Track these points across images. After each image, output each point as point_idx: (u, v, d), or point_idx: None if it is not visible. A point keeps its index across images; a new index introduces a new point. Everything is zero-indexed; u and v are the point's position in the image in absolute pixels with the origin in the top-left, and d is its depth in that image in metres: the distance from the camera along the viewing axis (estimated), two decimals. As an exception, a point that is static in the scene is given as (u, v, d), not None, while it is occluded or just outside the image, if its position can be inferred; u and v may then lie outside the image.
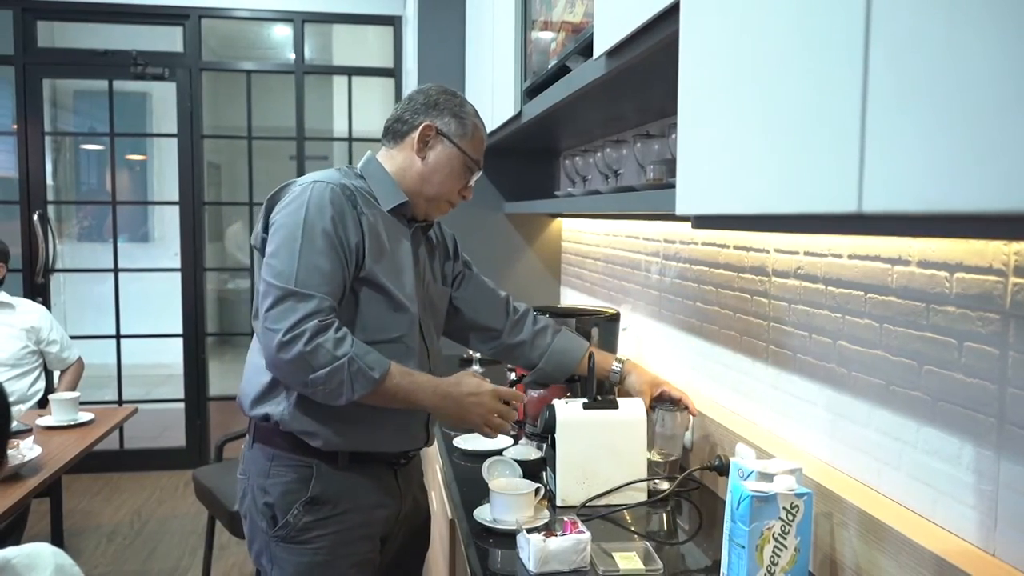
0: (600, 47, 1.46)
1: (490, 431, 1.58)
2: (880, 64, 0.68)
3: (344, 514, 1.56)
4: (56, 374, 3.48)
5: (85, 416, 2.88)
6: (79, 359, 3.45)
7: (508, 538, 1.45)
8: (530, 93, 2.23)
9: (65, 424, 2.80)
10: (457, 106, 1.65)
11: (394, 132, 1.67)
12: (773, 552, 1.17)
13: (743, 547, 1.17)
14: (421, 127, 1.62)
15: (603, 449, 1.64)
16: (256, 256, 1.60)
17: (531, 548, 1.31)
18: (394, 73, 4.72)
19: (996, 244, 0.98)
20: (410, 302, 1.60)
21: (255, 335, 1.60)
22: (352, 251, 1.51)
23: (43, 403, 3.28)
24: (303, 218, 1.47)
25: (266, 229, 1.54)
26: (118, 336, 4.63)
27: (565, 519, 1.40)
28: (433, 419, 1.68)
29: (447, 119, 1.63)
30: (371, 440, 1.58)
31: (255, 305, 1.57)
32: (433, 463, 2.38)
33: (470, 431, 1.93)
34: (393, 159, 1.65)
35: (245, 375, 1.62)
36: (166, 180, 5.70)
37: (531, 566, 1.31)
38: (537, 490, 1.55)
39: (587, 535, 1.35)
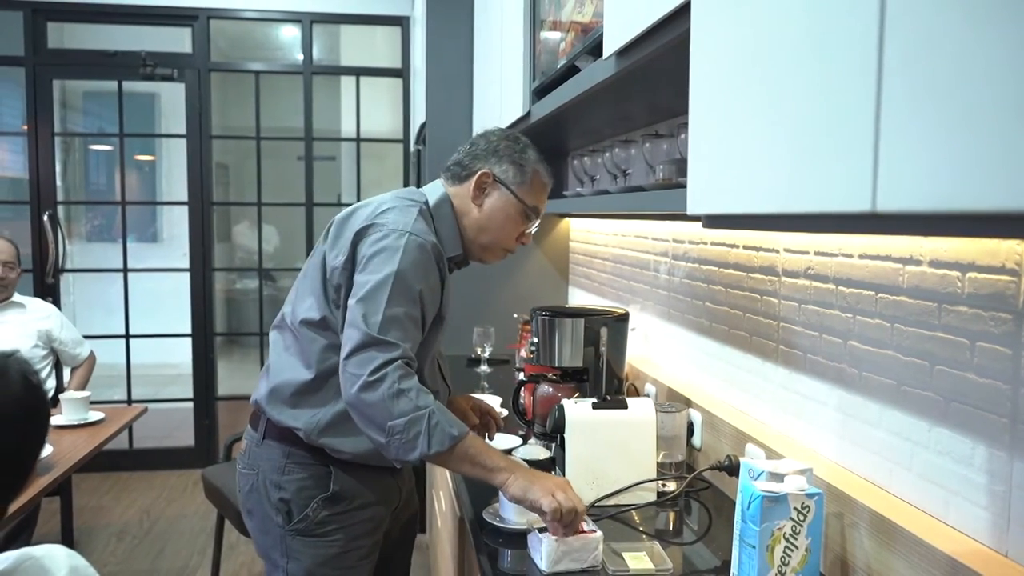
0: (610, 47, 1.45)
1: (555, 506, 1.33)
2: (894, 62, 0.68)
3: (358, 509, 1.60)
4: (67, 371, 3.51)
5: (95, 415, 2.89)
6: (91, 354, 3.48)
7: (517, 537, 1.45)
8: (539, 93, 2.23)
9: (75, 423, 2.81)
10: (518, 153, 1.64)
11: (454, 174, 1.67)
12: (784, 552, 1.17)
13: (754, 547, 1.17)
14: (479, 173, 1.62)
15: (612, 449, 1.64)
16: (316, 273, 1.58)
17: (545, 547, 1.31)
18: (402, 73, 4.73)
19: (1009, 243, 0.97)
20: (438, 342, 1.68)
21: (277, 339, 1.64)
22: (431, 313, 1.54)
23: (54, 401, 3.30)
24: (395, 271, 1.46)
25: (351, 262, 1.52)
26: (127, 336, 4.65)
27: None
28: None
29: (506, 166, 1.62)
30: (384, 458, 1.57)
31: (289, 311, 1.61)
32: (441, 463, 2.38)
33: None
34: (455, 197, 1.65)
35: (271, 381, 1.61)
36: (175, 180, 5.72)
37: (544, 565, 1.31)
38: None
39: (599, 534, 1.35)
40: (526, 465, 1.48)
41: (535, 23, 2.29)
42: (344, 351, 1.44)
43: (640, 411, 1.66)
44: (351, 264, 1.52)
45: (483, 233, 1.64)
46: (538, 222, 1.70)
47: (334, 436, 1.55)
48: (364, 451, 1.54)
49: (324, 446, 1.55)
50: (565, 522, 1.33)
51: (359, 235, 1.52)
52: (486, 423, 1.87)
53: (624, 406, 1.67)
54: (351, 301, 1.47)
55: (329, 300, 1.55)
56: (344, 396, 1.45)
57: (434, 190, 1.67)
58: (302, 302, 1.59)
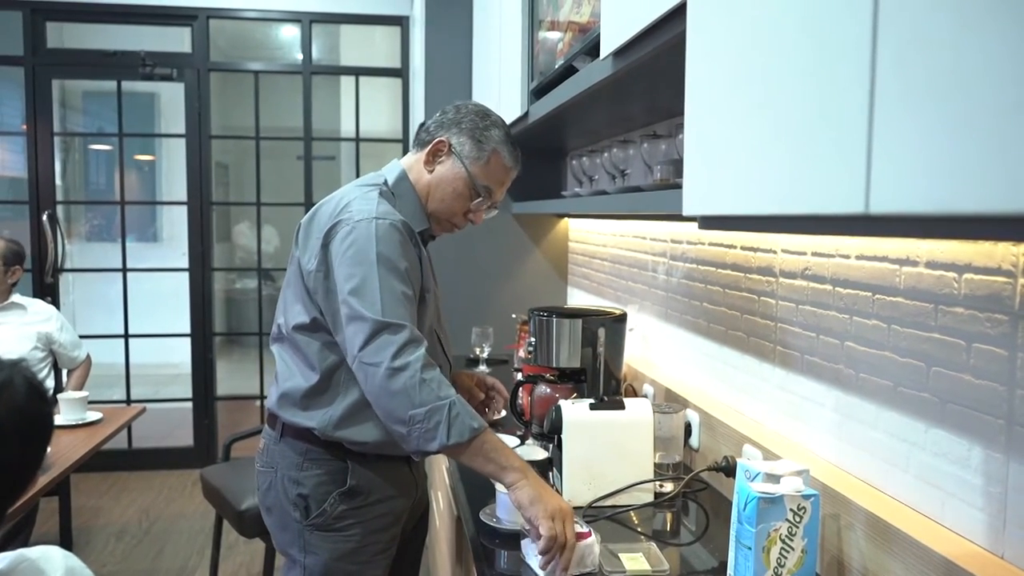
0: (607, 47, 1.45)
1: (553, 534, 1.30)
2: (887, 64, 0.68)
3: (375, 504, 1.62)
4: (64, 372, 3.51)
5: (93, 415, 2.90)
6: (88, 357, 3.49)
7: (513, 538, 1.45)
8: (537, 93, 2.23)
9: (74, 423, 2.82)
10: (480, 129, 1.64)
11: (419, 140, 1.70)
12: (780, 554, 1.17)
13: (750, 548, 1.16)
14: (436, 140, 1.65)
15: (610, 450, 1.64)
16: (296, 280, 1.60)
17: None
18: (401, 73, 4.73)
19: (1005, 245, 0.97)
20: (433, 319, 1.68)
21: (279, 351, 1.66)
22: (417, 287, 1.55)
23: (52, 401, 3.30)
24: (376, 256, 1.47)
25: (325, 264, 1.53)
26: (126, 336, 4.65)
27: None
28: None
29: (464, 138, 1.64)
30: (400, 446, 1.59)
31: (282, 321, 1.63)
32: (440, 462, 2.38)
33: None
34: (412, 168, 1.68)
35: (280, 388, 1.63)
36: (174, 180, 5.72)
37: (543, 572, 1.31)
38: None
39: (594, 538, 1.35)
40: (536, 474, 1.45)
41: (533, 23, 2.29)
42: (355, 345, 1.45)
43: (637, 412, 1.66)
44: (325, 266, 1.53)
45: (431, 200, 1.66)
46: (496, 207, 1.71)
47: (348, 428, 1.56)
48: (380, 439, 1.55)
49: (341, 439, 1.56)
50: (552, 554, 1.29)
51: (328, 236, 1.53)
52: (491, 398, 1.88)
53: (621, 407, 1.67)
54: (343, 297, 1.48)
55: (314, 302, 1.56)
56: (366, 388, 1.46)
57: (392, 169, 1.69)
58: (291, 310, 1.61)
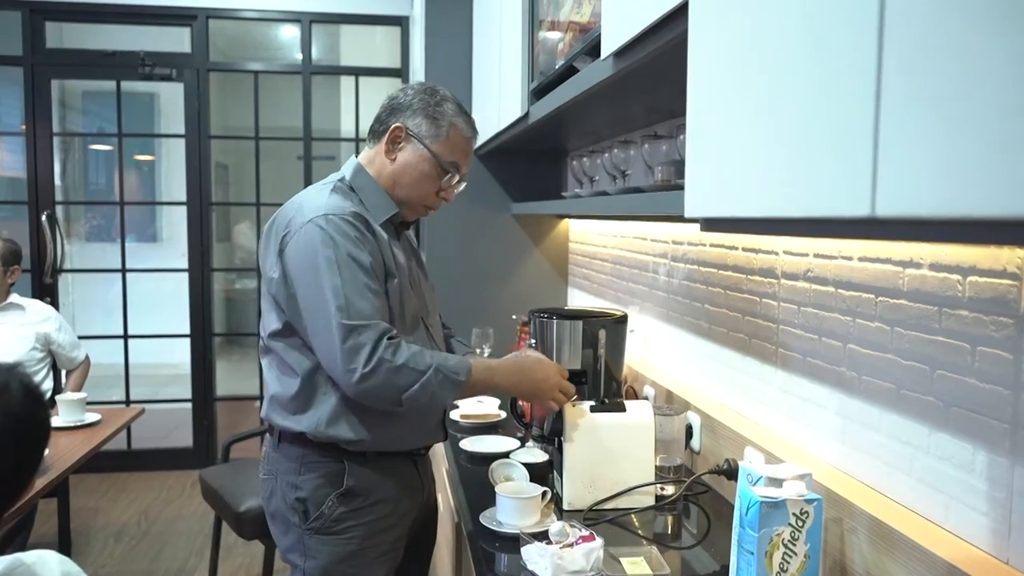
0: (607, 48, 1.44)
1: (554, 404, 1.65)
2: (894, 66, 0.67)
3: (375, 505, 1.61)
4: (63, 373, 3.50)
5: (92, 417, 2.89)
6: (87, 358, 3.48)
7: (514, 542, 1.44)
8: (537, 94, 2.22)
9: (72, 425, 2.81)
10: (432, 106, 1.63)
11: (373, 132, 1.69)
12: (783, 559, 1.16)
13: (752, 553, 1.16)
14: (392, 127, 1.63)
15: (611, 452, 1.63)
16: (265, 288, 1.61)
17: (548, 559, 1.30)
18: (401, 73, 4.71)
19: (1010, 247, 0.96)
20: (420, 310, 1.67)
21: (265, 360, 1.66)
22: (381, 274, 1.55)
23: (51, 403, 3.29)
24: (330, 256, 1.47)
25: (283, 272, 1.54)
26: (126, 336, 4.64)
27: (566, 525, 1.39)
28: (448, 416, 1.74)
29: (418, 120, 1.63)
30: (396, 439, 1.62)
31: (262, 331, 1.64)
32: (440, 464, 2.37)
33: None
34: (372, 162, 1.67)
35: (269, 391, 1.64)
36: (174, 180, 5.71)
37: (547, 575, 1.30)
38: (544, 494, 1.54)
39: (600, 541, 1.34)
40: (523, 364, 1.64)
41: (534, 23, 2.28)
42: (330, 354, 1.46)
43: (638, 414, 1.65)
44: (283, 273, 1.54)
45: (398, 188, 1.65)
46: (464, 180, 1.70)
47: (338, 426, 1.55)
48: (374, 435, 1.56)
49: (334, 439, 1.56)
50: (561, 402, 1.63)
51: (283, 243, 1.54)
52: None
53: (622, 409, 1.66)
54: (304, 304, 1.50)
55: (282, 308, 1.57)
56: (350, 393, 1.48)
57: (348, 165, 1.69)
58: (267, 318, 1.62)
